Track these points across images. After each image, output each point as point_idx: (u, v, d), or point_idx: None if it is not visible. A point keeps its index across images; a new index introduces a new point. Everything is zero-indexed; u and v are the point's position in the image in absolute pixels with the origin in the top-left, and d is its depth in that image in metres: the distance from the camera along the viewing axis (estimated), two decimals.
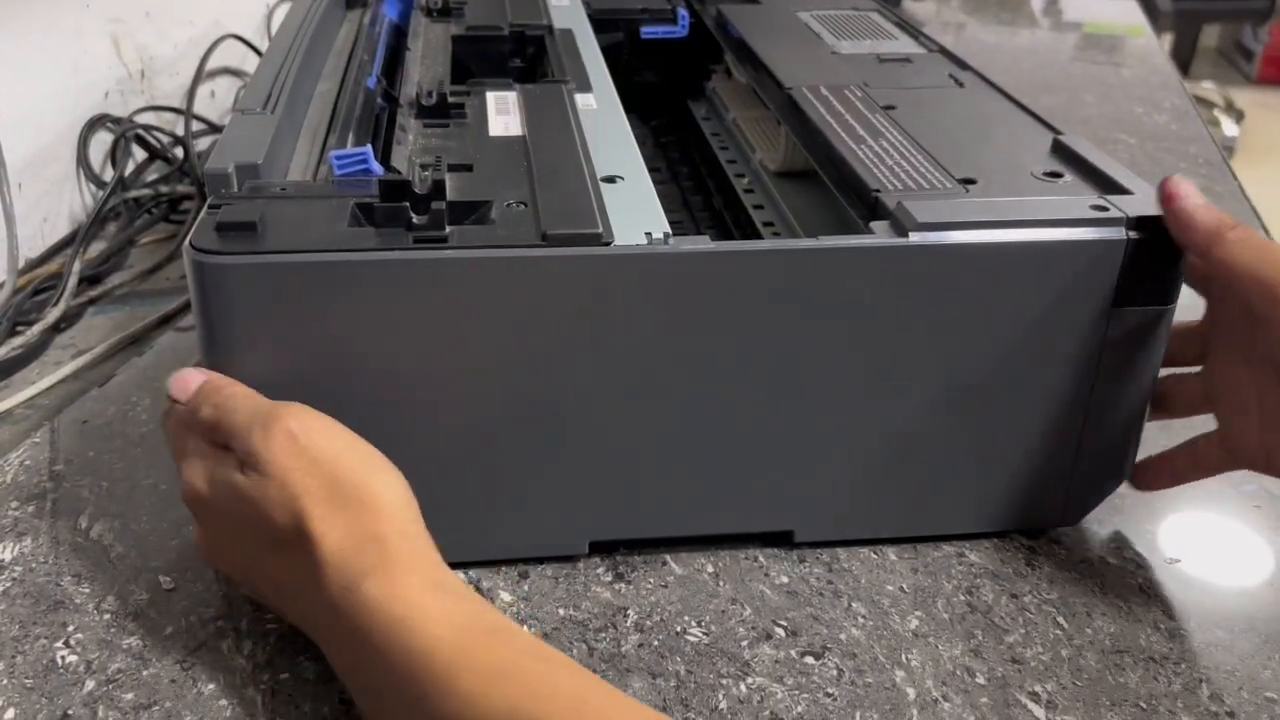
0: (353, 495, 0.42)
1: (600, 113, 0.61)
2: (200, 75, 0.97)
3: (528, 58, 0.73)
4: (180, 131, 0.92)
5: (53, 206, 0.83)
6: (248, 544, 0.44)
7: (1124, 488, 0.55)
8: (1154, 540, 0.55)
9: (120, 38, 0.91)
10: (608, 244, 0.45)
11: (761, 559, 0.53)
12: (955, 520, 0.54)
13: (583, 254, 0.45)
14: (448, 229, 0.46)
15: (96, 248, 0.81)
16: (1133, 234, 0.48)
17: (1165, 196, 0.48)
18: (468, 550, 0.51)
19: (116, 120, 0.89)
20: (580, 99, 0.62)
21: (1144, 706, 0.46)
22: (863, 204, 0.51)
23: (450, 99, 0.60)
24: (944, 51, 0.72)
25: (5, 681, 0.46)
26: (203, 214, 0.46)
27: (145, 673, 0.46)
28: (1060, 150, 0.55)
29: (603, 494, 0.51)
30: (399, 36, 0.79)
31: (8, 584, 0.51)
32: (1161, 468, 0.54)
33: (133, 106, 0.92)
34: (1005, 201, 0.49)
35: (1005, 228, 0.47)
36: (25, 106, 0.80)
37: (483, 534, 0.51)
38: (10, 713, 0.44)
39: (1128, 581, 0.53)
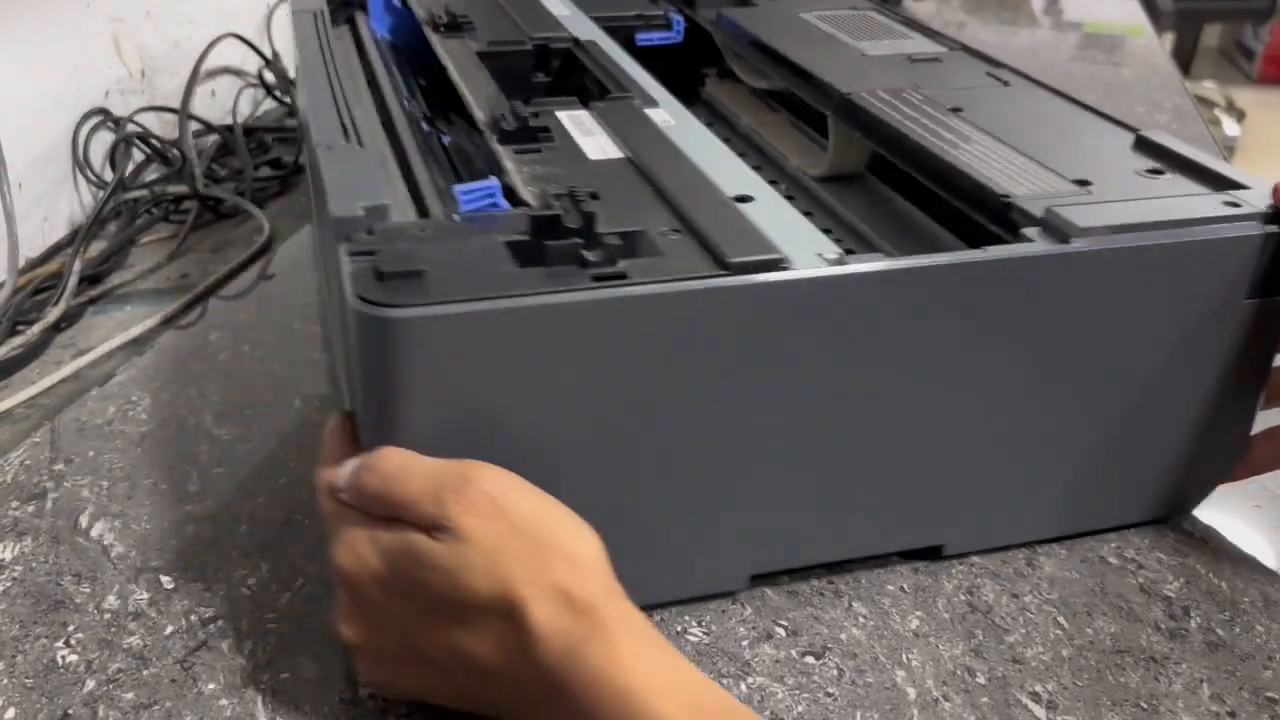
0: (556, 557, 0.40)
1: (681, 128, 0.58)
2: (198, 75, 0.97)
3: (553, 71, 0.71)
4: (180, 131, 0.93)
5: (53, 206, 0.83)
6: (428, 618, 0.41)
7: None
8: (1154, 540, 0.55)
9: (120, 37, 0.91)
10: (787, 269, 0.44)
11: None
12: (1091, 517, 0.55)
13: (768, 281, 0.43)
14: (619, 264, 0.43)
15: (96, 247, 0.81)
16: (1269, 228, 0.49)
17: None
18: (632, 595, 0.44)
19: (116, 120, 0.89)
20: (653, 114, 0.59)
21: (1144, 706, 0.46)
22: (985, 210, 0.51)
23: (531, 122, 0.56)
24: (965, 48, 0.72)
25: (5, 681, 0.46)
26: (347, 262, 0.43)
27: (145, 673, 0.46)
28: (1147, 147, 0.56)
29: (767, 526, 0.49)
30: (396, 54, 0.78)
31: (8, 584, 0.51)
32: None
33: (132, 106, 0.92)
34: (1146, 203, 0.50)
35: (1158, 230, 0.48)
36: (25, 106, 0.80)
37: (648, 576, 0.47)
38: (10, 712, 0.44)
39: (1128, 581, 0.53)
